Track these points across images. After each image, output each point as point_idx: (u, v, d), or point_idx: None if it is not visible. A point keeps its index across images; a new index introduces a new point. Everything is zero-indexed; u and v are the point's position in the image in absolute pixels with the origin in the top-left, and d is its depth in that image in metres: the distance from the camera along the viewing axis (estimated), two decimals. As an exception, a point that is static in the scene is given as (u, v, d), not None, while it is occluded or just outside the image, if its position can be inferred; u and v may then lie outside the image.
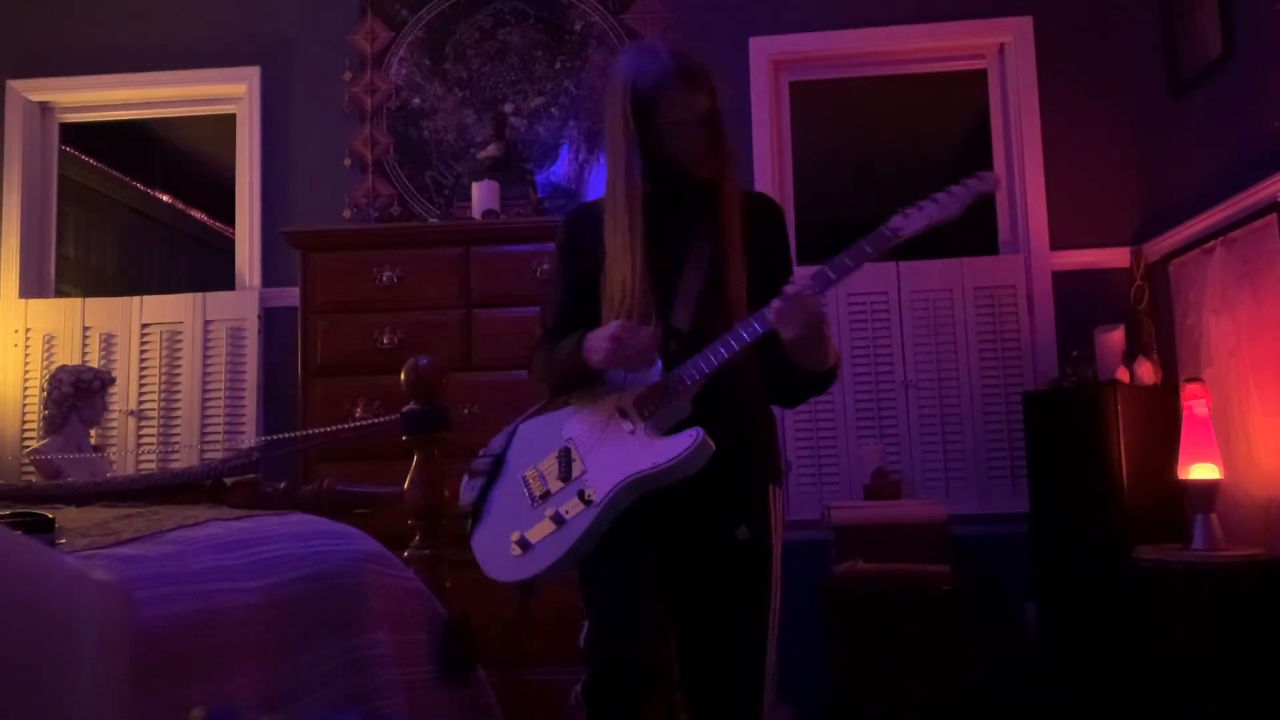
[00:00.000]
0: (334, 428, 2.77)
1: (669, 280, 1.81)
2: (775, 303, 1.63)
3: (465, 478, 1.85)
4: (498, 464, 1.83)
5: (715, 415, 1.71)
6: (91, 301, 3.98)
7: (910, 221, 1.68)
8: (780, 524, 1.82)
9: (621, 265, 1.77)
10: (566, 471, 1.74)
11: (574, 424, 1.79)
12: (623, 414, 1.73)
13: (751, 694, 1.74)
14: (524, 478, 1.79)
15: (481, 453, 1.86)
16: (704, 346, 1.73)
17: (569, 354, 1.78)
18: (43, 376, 3.75)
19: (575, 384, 1.82)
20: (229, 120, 4.11)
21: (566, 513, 1.70)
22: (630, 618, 1.70)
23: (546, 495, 1.75)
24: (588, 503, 1.68)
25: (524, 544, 1.72)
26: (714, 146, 1.82)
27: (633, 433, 1.71)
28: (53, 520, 1.38)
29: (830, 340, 1.73)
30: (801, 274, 1.72)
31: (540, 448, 1.80)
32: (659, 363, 1.74)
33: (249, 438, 3.75)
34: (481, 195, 3.54)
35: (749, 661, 1.73)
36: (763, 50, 3.85)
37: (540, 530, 1.72)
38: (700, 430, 1.65)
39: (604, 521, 1.67)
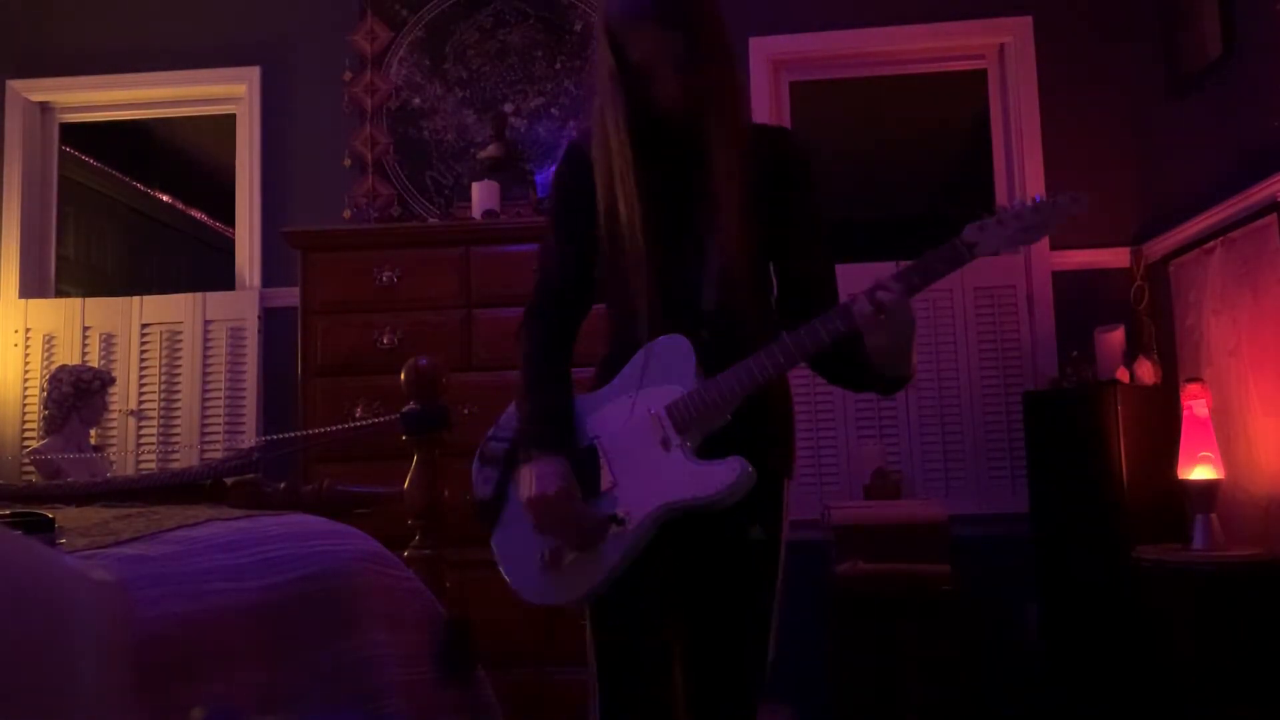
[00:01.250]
0: (334, 428, 2.77)
1: (685, 251, 1.59)
2: (863, 305, 1.43)
3: (476, 463, 1.65)
4: (512, 452, 1.61)
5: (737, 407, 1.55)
6: (91, 301, 3.98)
7: (987, 237, 1.48)
8: (788, 519, 1.70)
9: (624, 234, 1.57)
10: (594, 479, 1.55)
11: (600, 419, 1.59)
12: (655, 420, 1.54)
13: (750, 691, 1.66)
14: None
15: (492, 433, 1.66)
16: (738, 331, 1.54)
17: (527, 418, 1.60)
18: (43, 376, 3.75)
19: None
20: (229, 120, 4.11)
21: (601, 535, 1.54)
22: (651, 709, 1.59)
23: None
24: (620, 523, 1.52)
25: (555, 561, 1.56)
26: (694, 81, 1.55)
27: (666, 447, 1.52)
28: (53, 520, 1.38)
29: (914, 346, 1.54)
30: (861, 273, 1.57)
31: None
32: (693, 362, 1.54)
33: (249, 438, 3.75)
34: (481, 195, 3.54)
35: (751, 660, 1.64)
36: (763, 50, 3.85)
37: (573, 549, 1.56)
38: (744, 463, 1.48)
39: (638, 549, 1.53)
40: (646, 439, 1.53)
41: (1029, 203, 1.51)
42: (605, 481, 1.55)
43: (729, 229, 1.55)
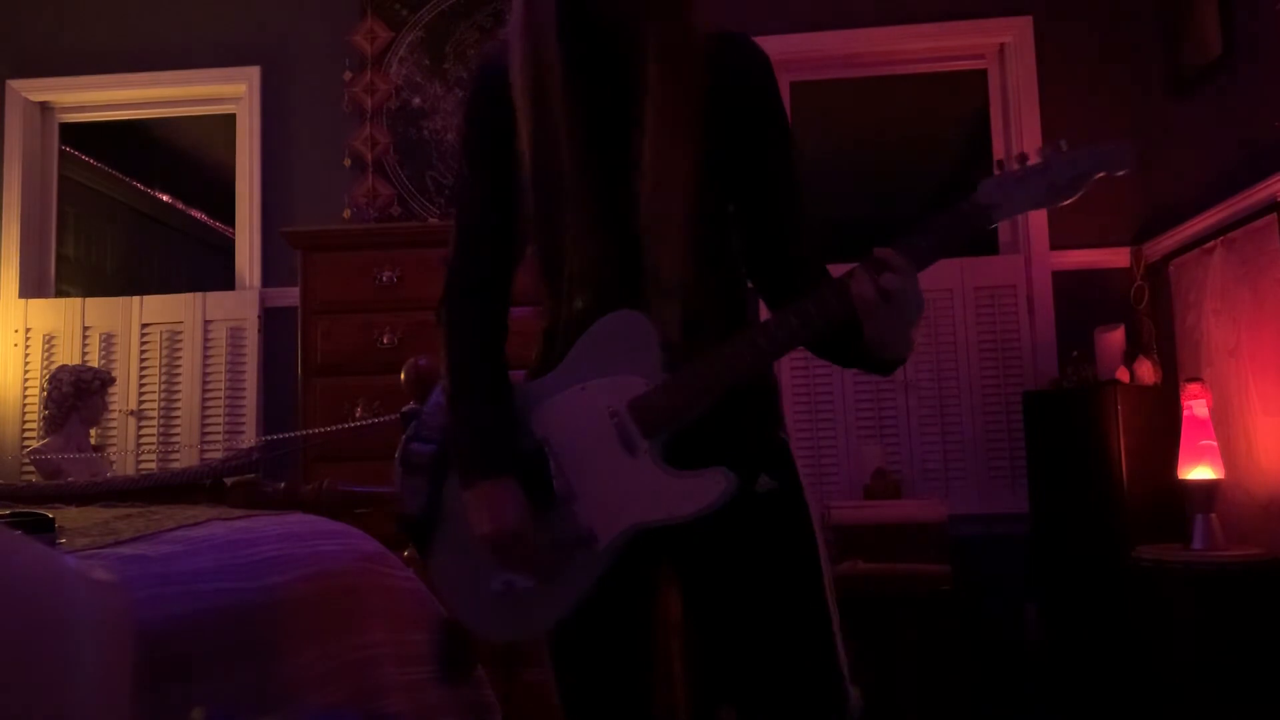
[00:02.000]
0: (334, 428, 2.77)
1: (631, 199, 1.26)
2: (864, 288, 1.17)
3: (398, 469, 1.35)
4: (442, 455, 1.33)
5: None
6: (91, 301, 3.98)
7: (1008, 197, 1.24)
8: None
9: (554, 175, 1.28)
10: (544, 489, 1.27)
11: (547, 413, 1.30)
12: (615, 418, 1.27)
13: (832, 694, 1.31)
14: None
15: (414, 431, 1.36)
16: (698, 304, 1.27)
17: (465, 434, 1.31)
18: (43, 376, 3.75)
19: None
20: (229, 120, 4.11)
21: (562, 559, 1.28)
22: None
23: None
24: (585, 547, 1.26)
25: (508, 589, 1.28)
26: None
27: (632, 452, 1.25)
28: (53, 520, 1.38)
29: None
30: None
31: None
32: (656, 346, 1.26)
33: (249, 438, 3.75)
34: (481, 195, 3.53)
35: (816, 652, 1.29)
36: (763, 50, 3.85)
37: (528, 575, 1.28)
38: (730, 476, 1.23)
39: (607, 567, 1.27)
40: (607, 441, 1.26)
41: (1059, 151, 1.22)
42: (561, 491, 1.27)
43: (663, 168, 1.24)
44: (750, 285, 1.39)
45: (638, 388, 1.27)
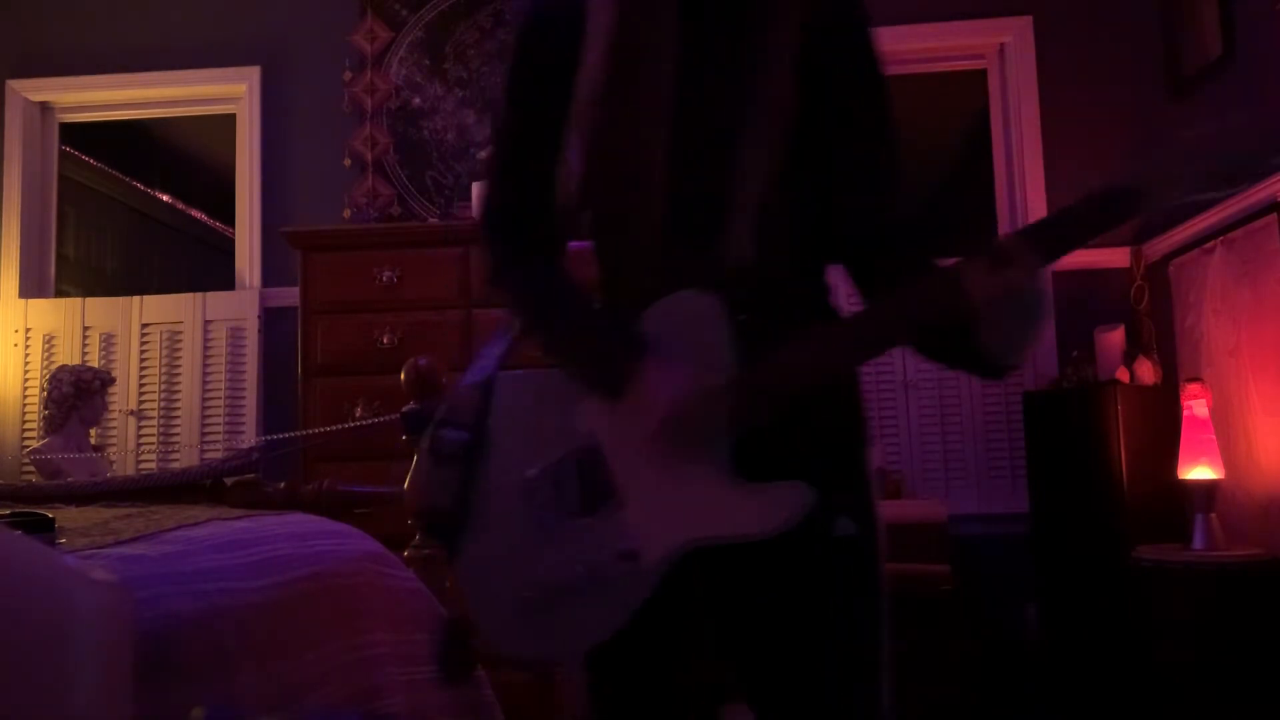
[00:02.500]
0: (334, 427, 2.77)
1: (709, 171, 1.11)
2: (982, 283, 1.00)
3: (426, 460, 1.19)
4: (476, 444, 1.18)
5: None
6: (91, 301, 3.98)
7: (1163, 181, 1.03)
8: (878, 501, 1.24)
9: (632, 118, 1.11)
10: (591, 494, 1.13)
11: (595, 409, 1.15)
12: (677, 419, 1.10)
13: None
14: (525, 484, 1.16)
15: (444, 415, 1.20)
16: (777, 291, 1.13)
17: (574, 327, 1.18)
18: (43, 376, 3.75)
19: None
20: (229, 120, 4.11)
21: (604, 574, 1.11)
22: None
23: (565, 528, 1.16)
24: (631, 561, 1.11)
25: (541, 604, 1.13)
26: None
27: (691, 455, 1.10)
28: (53, 520, 1.38)
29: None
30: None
31: (542, 432, 1.18)
32: (725, 335, 1.09)
33: (249, 438, 3.75)
34: (481, 195, 3.53)
35: (863, 713, 1.15)
36: (763, 50, 3.85)
37: (564, 590, 1.13)
38: (808, 494, 1.07)
39: (655, 586, 1.11)
40: (665, 445, 1.10)
41: (1227, 126, 1.05)
42: (610, 496, 1.13)
43: (775, 132, 1.09)
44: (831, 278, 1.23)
45: (706, 382, 1.09)
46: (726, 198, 1.10)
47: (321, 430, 2.73)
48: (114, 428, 3.85)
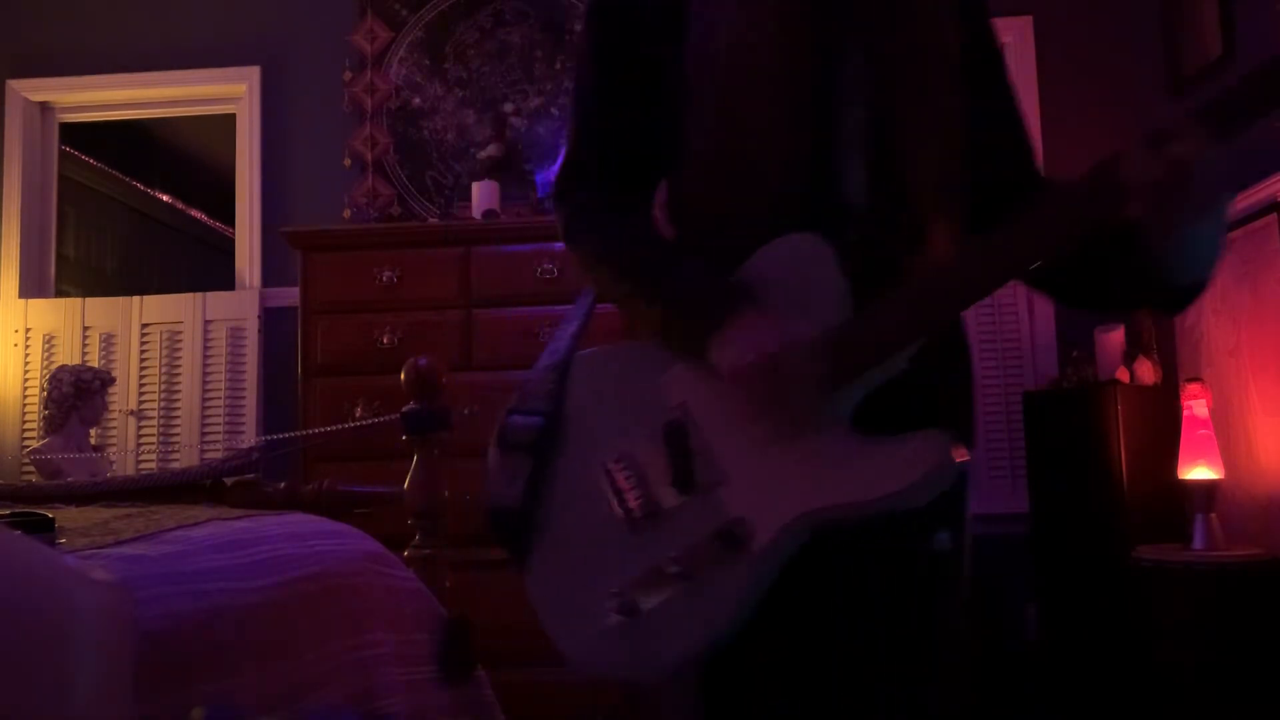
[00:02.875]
0: (334, 427, 2.77)
1: (817, 105, 1.03)
2: (1143, 165, 0.84)
3: (494, 451, 1.08)
4: (550, 430, 1.06)
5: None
6: (91, 301, 3.97)
7: None
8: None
9: (739, 48, 1.03)
10: (685, 472, 1.00)
11: (686, 377, 1.03)
12: None
13: None
14: (607, 469, 1.03)
15: (516, 403, 1.09)
16: (900, 236, 1.02)
17: (675, 290, 1.05)
18: (43, 376, 3.75)
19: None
20: (229, 120, 4.11)
21: (706, 564, 0.98)
22: None
23: (655, 515, 1.01)
24: (737, 546, 0.96)
25: (630, 608, 0.99)
26: None
27: (809, 417, 0.97)
28: (53, 520, 1.38)
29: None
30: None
31: (625, 410, 1.05)
32: (837, 278, 0.98)
33: (249, 438, 3.75)
34: (481, 195, 3.54)
35: None
36: (763, 50, 3.85)
37: (657, 589, 0.98)
38: (946, 439, 0.94)
39: (767, 579, 0.97)
40: (771, 404, 0.98)
41: None
42: (706, 475, 1.00)
43: (940, 77, 1.03)
44: None
45: (810, 335, 0.96)
46: (849, 141, 1.00)
47: (321, 430, 2.73)
48: (114, 428, 3.85)
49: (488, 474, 1.07)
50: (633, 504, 1.02)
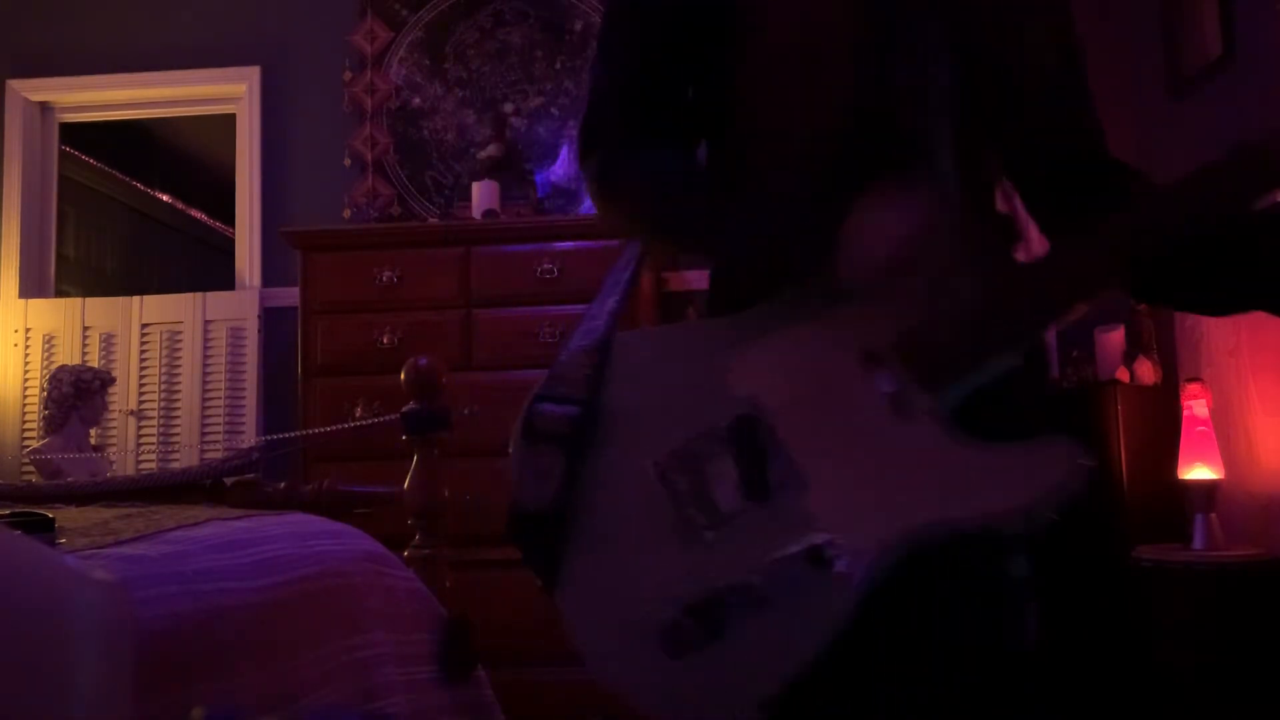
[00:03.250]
0: (334, 427, 2.77)
1: (903, 59, 0.91)
2: None
3: (520, 444, 0.91)
4: (587, 421, 0.90)
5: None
6: (91, 301, 3.97)
7: None
8: None
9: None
10: (758, 476, 0.85)
11: (758, 364, 0.89)
12: (873, 363, 0.85)
13: None
14: (662, 469, 0.87)
15: (547, 388, 0.93)
16: (984, 219, 0.93)
17: (759, 225, 0.90)
18: (43, 376, 3.75)
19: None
20: (229, 120, 4.11)
21: (785, 587, 0.81)
22: None
23: (721, 525, 0.85)
24: (824, 566, 0.81)
25: (693, 636, 0.82)
26: None
27: (903, 414, 0.83)
28: (53, 520, 1.38)
29: None
30: None
31: (680, 401, 0.90)
32: (957, 246, 0.84)
33: (249, 438, 3.75)
34: (481, 195, 3.54)
35: None
36: (763, 50, 3.85)
37: (728, 613, 0.82)
38: (1074, 447, 0.85)
39: (859, 604, 0.82)
40: (859, 401, 0.84)
41: None
42: (783, 479, 0.84)
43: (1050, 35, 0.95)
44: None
45: (904, 317, 0.84)
46: (935, 101, 0.90)
47: (321, 430, 2.74)
48: (114, 428, 3.85)
49: (511, 471, 0.91)
50: (694, 511, 0.85)
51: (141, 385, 3.88)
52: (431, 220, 3.78)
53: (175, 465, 3.73)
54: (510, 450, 0.92)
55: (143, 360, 3.89)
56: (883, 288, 0.83)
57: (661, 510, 0.86)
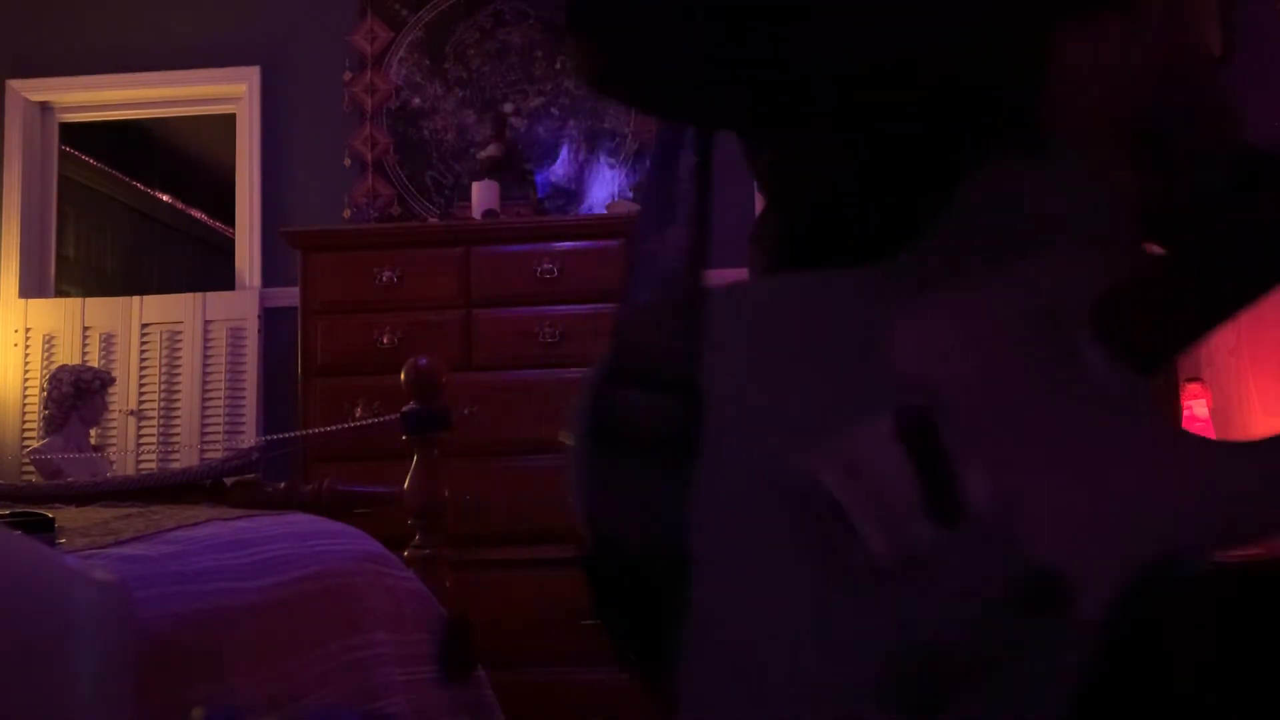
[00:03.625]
0: (334, 427, 2.77)
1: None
2: None
3: (584, 452, 0.65)
4: (693, 414, 0.62)
5: None
6: (91, 301, 3.97)
7: None
8: None
9: None
10: (945, 490, 0.61)
11: (927, 329, 0.64)
12: (1073, 331, 0.63)
13: None
14: (800, 486, 0.61)
15: (619, 366, 0.66)
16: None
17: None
18: (43, 376, 3.75)
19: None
20: (229, 120, 4.11)
21: (999, 642, 0.61)
22: None
23: (897, 560, 0.61)
24: (1053, 610, 0.61)
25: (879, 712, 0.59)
26: None
27: (1124, 403, 0.63)
28: (53, 520, 1.38)
29: None
30: None
31: (816, 382, 0.64)
32: (1120, 209, 0.64)
33: (249, 438, 3.75)
34: (481, 195, 3.54)
35: None
36: (763, 50, 3.85)
37: (933, 684, 0.60)
38: None
39: (1096, 665, 0.65)
40: (1058, 382, 0.63)
41: None
42: (976, 494, 0.61)
43: None
44: None
45: (1097, 275, 0.62)
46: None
47: (321, 430, 2.74)
48: (114, 428, 3.85)
49: (578, 494, 0.64)
50: (858, 547, 0.60)
51: (141, 385, 3.88)
52: (431, 220, 3.78)
53: (175, 465, 3.73)
54: (571, 459, 0.64)
55: (143, 360, 3.89)
56: (1109, 146, 0.60)
57: (809, 547, 0.60)
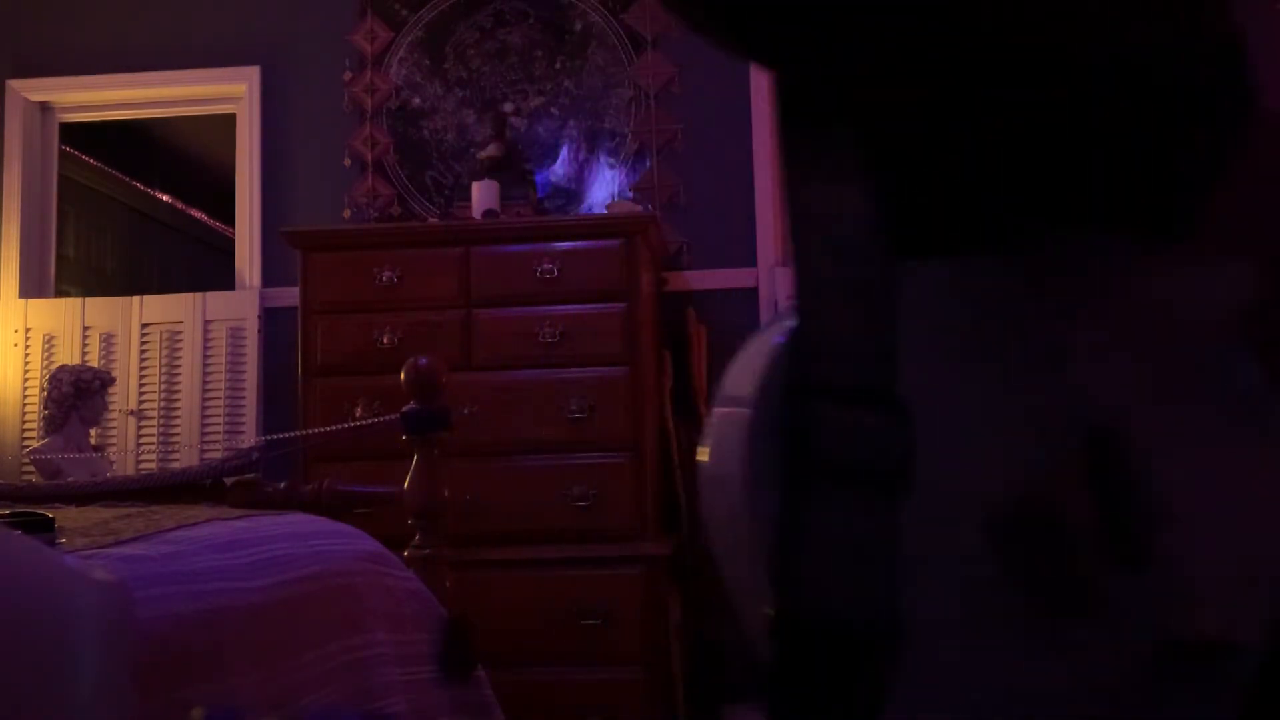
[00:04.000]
0: (334, 427, 2.77)
1: None
2: None
3: (727, 479, 0.60)
4: (908, 443, 0.51)
5: None
6: (91, 301, 3.97)
7: None
8: None
9: None
10: (1131, 532, 0.55)
11: (1106, 340, 0.57)
12: (1228, 340, 0.57)
13: None
14: (994, 523, 0.56)
15: (816, 370, 0.53)
16: None
17: None
18: (43, 376, 3.75)
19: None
20: (229, 120, 4.11)
21: (1151, 703, 0.58)
22: None
23: (1084, 605, 0.57)
24: (1208, 666, 0.61)
25: None
26: None
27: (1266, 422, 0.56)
28: (53, 520, 1.38)
29: None
30: None
31: (999, 398, 0.58)
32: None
33: (249, 438, 3.75)
34: (481, 195, 3.54)
35: None
36: (763, 50, 3.85)
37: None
38: None
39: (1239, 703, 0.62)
40: (1218, 399, 0.58)
41: None
42: (1162, 538, 0.57)
43: None
44: None
45: (1232, 279, 0.56)
46: None
47: (321, 430, 2.74)
48: (114, 428, 3.85)
49: (758, 539, 0.53)
50: (1045, 592, 0.55)
51: (141, 385, 3.88)
52: (431, 220, 3.78)
53: (175, 465, 3.73)
54: (716, 486, 0.53)
55: (143, 360, 3.89)
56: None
57: (1000, 591, 0.54)
